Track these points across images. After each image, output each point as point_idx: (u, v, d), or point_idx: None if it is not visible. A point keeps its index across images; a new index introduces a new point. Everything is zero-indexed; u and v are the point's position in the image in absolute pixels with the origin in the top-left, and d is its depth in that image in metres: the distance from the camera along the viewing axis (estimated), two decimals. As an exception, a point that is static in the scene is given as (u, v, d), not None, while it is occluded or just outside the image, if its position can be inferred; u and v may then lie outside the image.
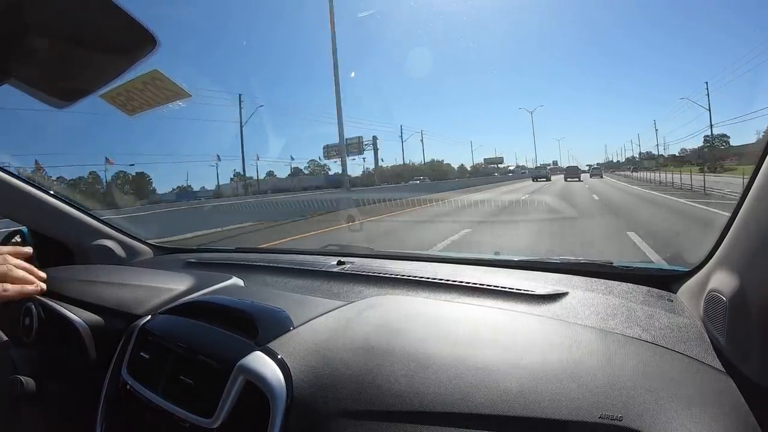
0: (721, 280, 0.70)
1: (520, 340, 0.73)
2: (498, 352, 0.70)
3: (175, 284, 1.19)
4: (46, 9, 0.62)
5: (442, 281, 1.05)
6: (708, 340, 0.72)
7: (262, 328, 0.83)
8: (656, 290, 0.93)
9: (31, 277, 0.95)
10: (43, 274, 1.00)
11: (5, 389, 0.95)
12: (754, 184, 0.65)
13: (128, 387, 0.92)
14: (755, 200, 0.65)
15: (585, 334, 0.74)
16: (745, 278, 0.63)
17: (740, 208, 0.69)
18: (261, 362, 0.74)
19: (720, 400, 0.60)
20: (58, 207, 1.54)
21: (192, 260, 1.60)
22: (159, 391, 0.85)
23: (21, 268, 0.94)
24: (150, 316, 1.04)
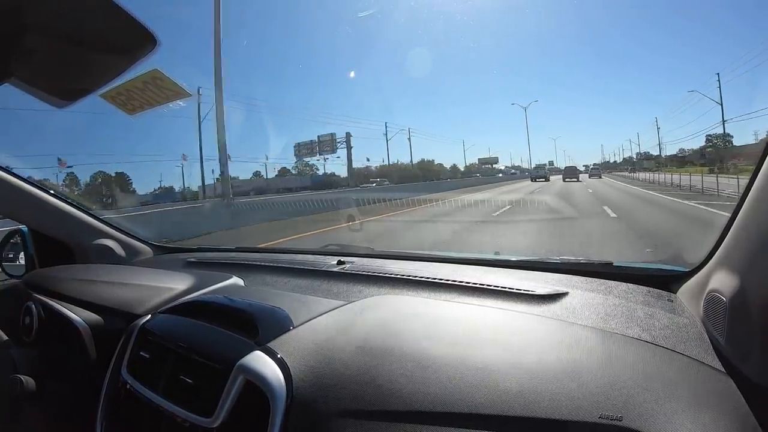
0: (721, 281, 0.70)
1: (520, 340, 0.73)
2: (498, 351, 0.70)
3: (175, 284, 1.19)
4: (47, 8, 0.62)
5: (443, 281, 1.05)
6: (708, 340, 0.72)
7: (262, 327, 0.83)
8: (656, 290, 0.93)
9: None
10: None
11: (5, 388, 0.95)
12: (753, 185, 0.65)
13: (128, 386, 0.92)
14: (755, 201, 0.65)
15: (585, 334, 0.74)
16: (745, 278, 0.63)
17: (740, 209, 0.69)
18: (261, 362, 0.74)
19: (720, 401, 0.59)
20: (58, 206, 1.54)
21: (192, 260, 1.60)
22: (159, 390, 0.85)
23: None
24: (150, 316, 1.04)
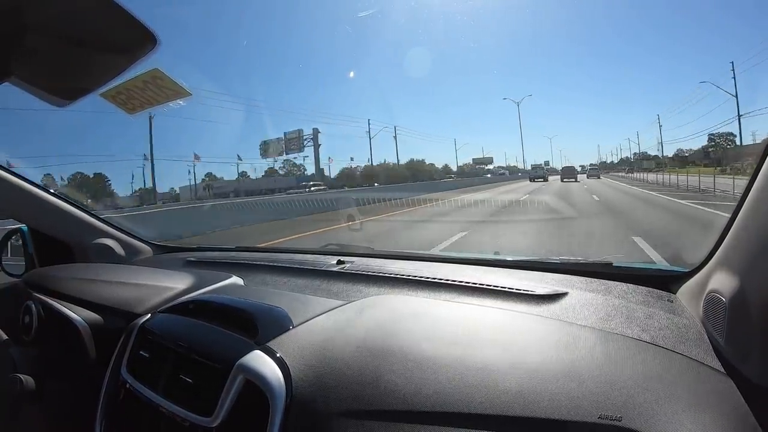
0: (721, 281, 0.70)
1: (519, 340, 0.74)
2: (497, 351, 0.70)
3: (175, 283, 1.19)
4: (47, 8, 0.62)
5: (442, 281, 1.05)
6: (708, 340, 0.72)
7: (261, 327, 0.83)
8: (656, 291, 0.93)
9: None
10: None
11: (5, 388, 0.95)
12: (753, 185, 0.65)
13: (128, 386, 0.92)
14: (755, 201, 0.65)
15: (584, 334, 0.74)
16: (745, 279, 0.63)
17: (740, 209, 0.69)
18: (260, 361, 0.74)
19: (719, 401, 0.60)
20: (58, 206, 1.54)
21: (192, 259, 1.60)
22: (158, 389, 0.85)
23: None
24: (150, 315, 1.04)
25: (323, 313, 0.88)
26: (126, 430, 0.92)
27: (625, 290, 0.94)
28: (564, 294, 0.92)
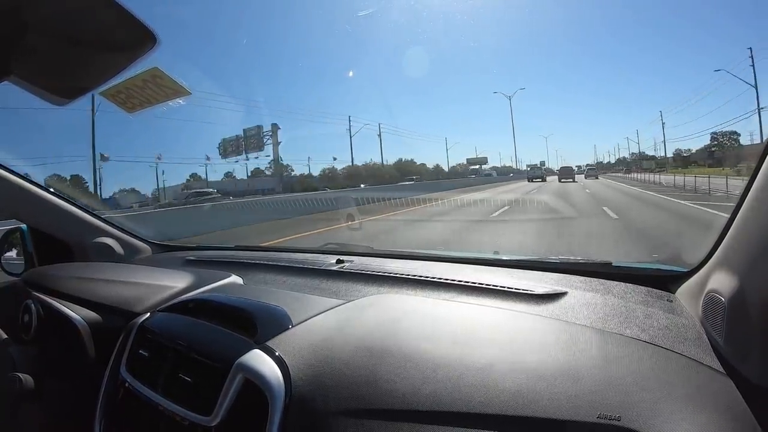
0: (720, 281, 0.70)
1: (518, 340, 0.74)
2: (496, 351, 0.70)
3: (174, 282, 1.19)
4: (47, 6, 0.62)
5: (442, 280, 1.05)
6: (707, 340, 0.72)
7: (261, 326, 0.83)
8: (655, 290, 0.93)
9: None
10: None
11: (5, 387, 0.95)
12: (753, 185, 0.65)
13: (127, 385, 0.92)
14: (755, 201, 0.65)
15: (584, 333, 0.74)
16: (744, 279, 0.64)
17: (739, 209, 0.69)
18: (260, 360, 0.74)
19: (718, 401, 0.60)
20: (58, 205, 1.54)
21: (191, 258, 1.60)
22: (158, 388, 0.85)
23: None
24: (149, 314, 1.04)
25: (323, 313, 0.88)
26: (125, 429, 0.92)
27: (625, 290, 0.94)
28: (563, 293, 0.92)
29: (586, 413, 0.57)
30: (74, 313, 1.07)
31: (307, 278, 1.23)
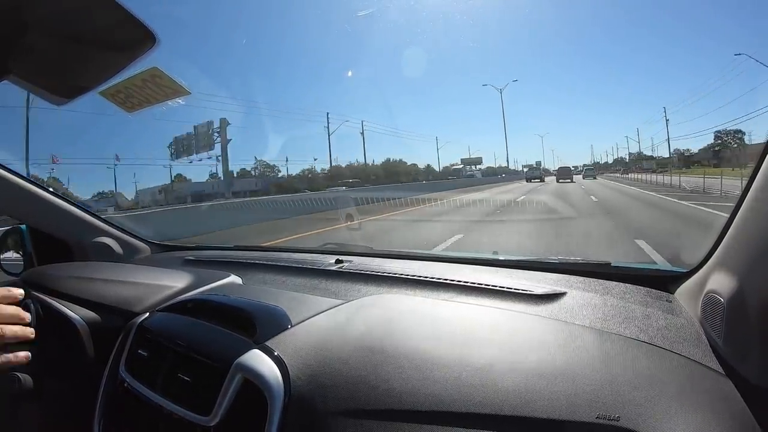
0: (720, 282, 0.70)
1: (517, 340, 0.74)
2: (495, 351, 0.70)
3: (174, 282, 1.19)
4: (46, 5, 0.62)
5: (441, 280, 1.05)
6: (706, 341, 0.72)
7: (260, 326, 0.83)
8: (654, 291, 0.93)
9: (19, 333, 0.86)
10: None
11: (3, 386, 0.95)
12: (752, 186, 0.65)
13: (126, 384, 0.92)
14: (754, 201, 0.65)
15: (583, 334, 0.74)
16: (743, 280, 0.64)
17: (739, 209, 0.69)
18: (259, 360, 0.74)
19: (718, 401, 0.60)
20: (57, 204, 1.54)
21: (190, 258, 1.60)
22: (157, 388, 0.85)
23: (6, 315, 0.86)
24: (148, 314, 1.04)
25: (322, 312, 0.88)
26: (124, 429, 0.92)
27: (624, 290, 0.94)
28: (562, 294, 0.92)
29: (585, 413, 0.57)
30: (73, 312, 1.07)
31: (307, 278, 1.23)
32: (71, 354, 1.05)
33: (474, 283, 1.00)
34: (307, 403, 0.68)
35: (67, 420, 1.03)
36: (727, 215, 0.72)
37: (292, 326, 0.83)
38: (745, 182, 0.68)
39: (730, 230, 0.71)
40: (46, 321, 1.09)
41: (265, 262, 1.42)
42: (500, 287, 0.96)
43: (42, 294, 1.12)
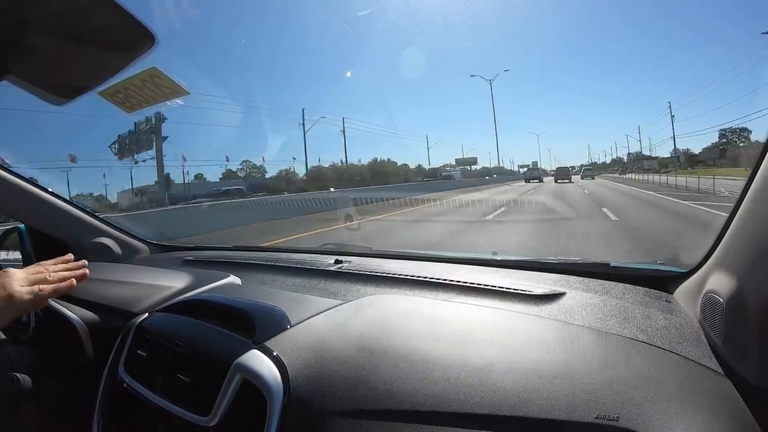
0: (719, 282, 0.70)
1: (516, 340, 0.74)
2: (495, 351, 0.70)
3: (173, 282, 1.19)
4: (46, 6, 0.62)
5: (440, 280, 1.05)
6: (705, 341, 0.72)
7: (259, 326, 0.83)
8: (653, 291, 0.93)
9: (66, 274, 0.91)
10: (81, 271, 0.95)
11: (3, 387, 0.95)
12: (751, 186, 0.65)
13: (125, 385, 0.92)
14: (753, 201, 0.65)
15: (582, 334, 0.74)
16: (742, 280, 0.64)
17: (738, 210, 0.69)
18: (258, 361, 0.74)
19: (717, 401, 0.60)
20: (56, 205, 1.54)
21: (189, 258, 1.59)
22: (156, 389, 0.85)
23: (60, 270, 0.91)
24: (147, 314, 1.03)
25: (321, 313, 0.88)
26: (123, 429, 0.92)
27: (623, 290, 0.94)
28: (561, 294, 0.92)
29: (584, 413, 0.57)
30: (72, 313, 1.07)
31: (306, 278, 1.23)
32: (70, 354, 1.05)
33: (473, 284, 1.00)
34: (306, 404, 0.68)
35: (67, 420, 1.03)
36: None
37: (291, 326, 0.83)
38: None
39: (729, 230, 0.71)
40: (46, 321, 1.09)
41: (264, 263, 1.42)
42: (499, 287, 0.96)
43: None
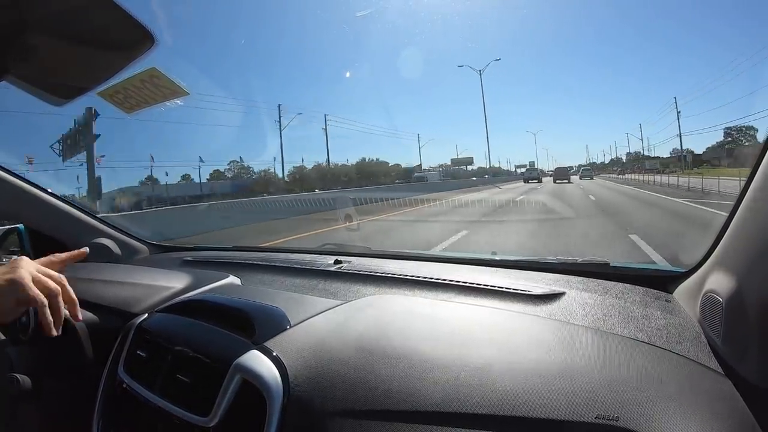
0: (718, 281, 0.70)
1: (516, 340, 0.74)
2: (494, 351, 0.70)
3: (172, 283, 1.19)
4: (45, 6, 0.62)
5: (440, 281, 1.05)
6: (705, 340, 0.72)
7: (258, 326, 0.83)
8: (653, 291, 0.93)
9: (48, 281, 0.85)
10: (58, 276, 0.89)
11: (3, 387, 0.95)
12: (751, 186, 0.66)
13: (125, 385, 0.92)
14: (752, 201, 0.65)
15: (581, 334, 0.74)
16: (742, 279, 0.64)
17: (737, 209, 0.69)
18: (257, 361, 0.74)
19: (717, 401, 0.60)
20: (56, 205, 1.54)
21: (189, 258, 1.59)
22: (156, 389, 0.85)
23: (43, 274, 0.85)
24: (147, 315, 1.03)
25: (320, 313, 0.88)
26: (123, 430, 0.92)
27: (623, 290, 0.94)
28: (561, 294, 0.92)
29: (584, 413, 0.57)
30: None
31: (305, 279, 1.23)
32: (70, 355, 1.05)
33: (472, 284, 1.00)
34: (306, 404, 0.68)
35: (66, 420, 1.03)
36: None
37: (290, 327, 0.83)
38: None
39: (728, 230, 0.72)
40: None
41: (263, 263, 1.42)
42: (499, 287, 0.96)
43: None
